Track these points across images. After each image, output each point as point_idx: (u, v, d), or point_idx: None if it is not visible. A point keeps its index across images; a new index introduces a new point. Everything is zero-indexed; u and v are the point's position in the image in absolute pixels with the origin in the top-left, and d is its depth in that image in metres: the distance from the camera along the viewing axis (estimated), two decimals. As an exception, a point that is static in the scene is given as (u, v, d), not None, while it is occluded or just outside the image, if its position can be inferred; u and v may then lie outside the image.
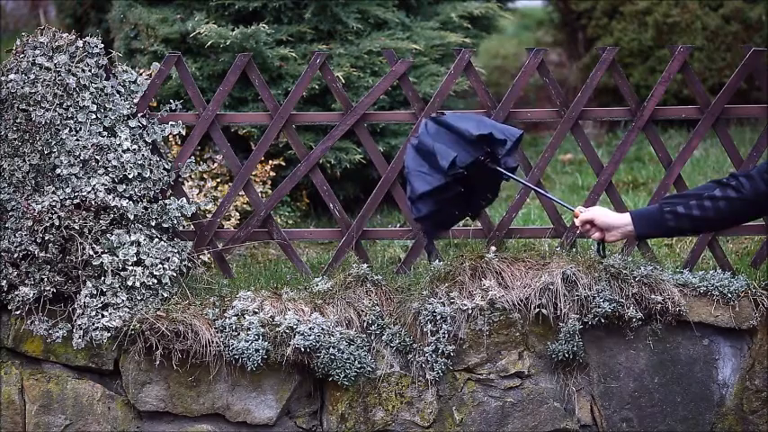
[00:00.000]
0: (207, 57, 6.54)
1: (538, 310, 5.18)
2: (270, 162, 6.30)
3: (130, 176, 5.17)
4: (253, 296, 5.22)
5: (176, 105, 5.38)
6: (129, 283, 5.09)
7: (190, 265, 5.32)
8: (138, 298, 5.13)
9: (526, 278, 5.21)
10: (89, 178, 5.12)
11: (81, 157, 5.11)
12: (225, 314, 5.14)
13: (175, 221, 5.29)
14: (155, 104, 5.82)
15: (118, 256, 5.09)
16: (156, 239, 5.20)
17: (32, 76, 5.11)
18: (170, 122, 5.33)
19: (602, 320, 5.18)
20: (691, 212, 3.98)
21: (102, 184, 5.11)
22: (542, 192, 4.69)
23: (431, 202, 4.42)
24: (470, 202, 4.55)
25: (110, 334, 5.08)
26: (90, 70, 5.19)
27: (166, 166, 5.32)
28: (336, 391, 5.19)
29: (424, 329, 5.16)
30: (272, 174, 6.29)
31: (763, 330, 5.23)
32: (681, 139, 7.96)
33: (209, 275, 5.43)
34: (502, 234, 5.41)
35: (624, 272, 5.20)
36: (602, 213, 4.15)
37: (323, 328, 5.10)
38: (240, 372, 5.14)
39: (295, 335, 5.09)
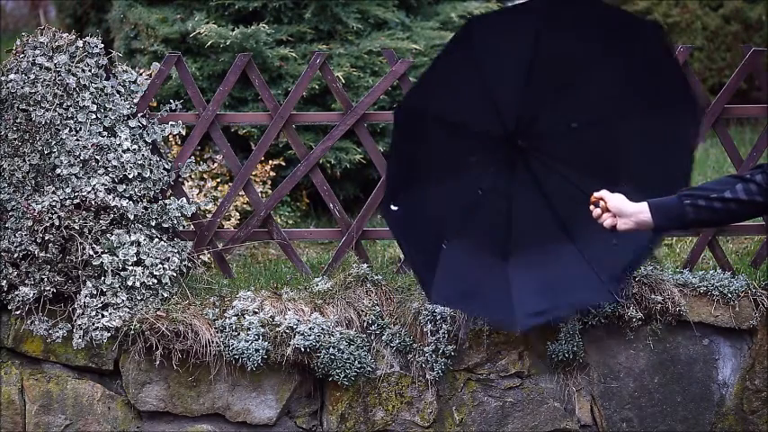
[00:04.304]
0: (207, 57, 6.54)
1: (538, 309, 5.18)
2: (270, 162, 6.30)
3: (130, 176, 5.17)
4: (253, 296, 5.22)
5: (176, 105, 5.38)
6: (129, 283, 5.09)
7: (190, 265, 5.32)
8: (138, 298, 5.13)
9: (526, 278, 5.21)
10: (89, 178, 5.12)
11: (81, 157, 5.11)
12: (225, 314, 5.14)
13: (175, 221, 5.29)
14: (155, 104, 5.82)
15: (118, 256, 5.09)
16: (156, 239, 5.20)
17: (32, 76, 5.11)
18: (170, 122, 5.33)
19: (602, 320, 5.18)
20: (712, 205, 3.86)
21: (102, 184, 5.11)
22: None
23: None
24: None
25: (110, 334, 5.07)
26: (90, 70, 5.19)
27: (166, 166, 5.32)
28: (336, 391, 5.19)
29: (424, 329, 5.16)
30: (272, 174, 6.29)
31: (763, 330, 5.23)
32: (681, 139, 7.95)
33: (209, 275, 5.43)
34: (502, 234, 5.41)
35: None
36: (616, 196, 3.97)
37: (323, 328, 5.10)
38: (240, 372, 5.15)
39: (295, 335, 5.09)
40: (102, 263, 5.07)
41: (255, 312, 5.14)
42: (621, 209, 3.95)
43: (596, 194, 4.03)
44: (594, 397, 5.27)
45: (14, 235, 5.12)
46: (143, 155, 5.22)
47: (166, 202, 5.28)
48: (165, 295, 5.18)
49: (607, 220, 3.98)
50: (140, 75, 5.41)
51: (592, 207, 4.03)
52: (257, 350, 5.06)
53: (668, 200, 3.93)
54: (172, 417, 5.21)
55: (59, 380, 5.20)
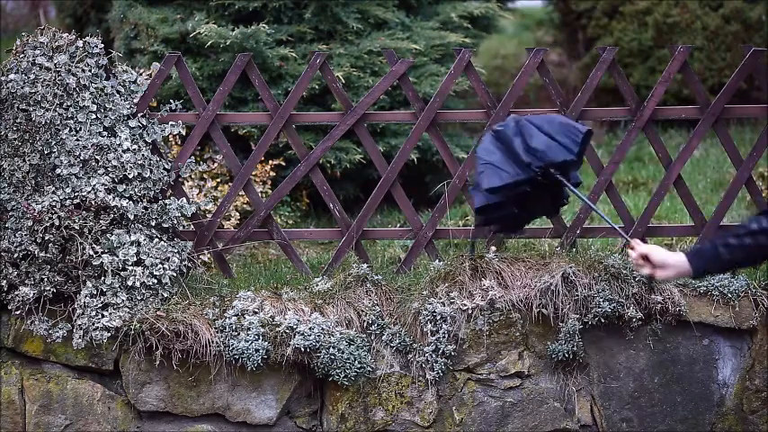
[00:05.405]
0: (207, 57, 6.54)
1: (538, 310, 5.18)
2: (270, 162, 6.30)
3: (130, 176, 5.17)
4: (253, 296, 5.22)
5: (176, 105, 5.38)
6: (129, 283, 5.09)
7: (190, 265, 5.32)
8: (138, 298, 5.13)
9: (526, 278, 5.21)
10: (89, 178, 5.12)
11: (81, 157, 5.11)
12: (225, 314, 5.14)
13: (175, 221, 5.29)
14: (155, 104, 5.82)
15: (118, 256, 5.09)
16: (156, 239, 5.20)
17: (32, 76, 5.11)
18: (170, 122, 5.33)
19: (602, 320, 5.18)
20: (742, 241, 3.93)
21: (102, 184, 5.11)
22: (600, 214, 4.63)
23: (496, 197, 4.61)
24: (534, 207, 4.76)
25: (110, 334, 5.08)
26: (90, 70, 5.19)
27: (166, 166, 5.32)
28: (336, 391, 5.19)
29: (424, 329, 5.16)
30: (272, 174, 6.29)
31: (763, 330, 5.23)
32: (681, 139, 7.96)
33: (209, 275, 5.43)
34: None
35: (624, 272, 5.20)
36: (658, 250, 4.09)
37: (323, 328, 5.10)
38: (240, 372, 5.15)
39: (295, 335, 5.09)
40: (102, 263, 5.07)
41: (255, 312, 5.14)
42: (665, 261, 4.05)
43: (635, 244, 4.14)
44: (594, 397, 5.27)
45: (14, 235, 5.12)
46: (143, 155, 5.22)
47: (166, 202, 5.28)
48: (165, 295, 5.18)
49: (645, 270, 4.09)
50: (140, 75, 5.42)
51: (629, 251, 4.14)
52: (257, 350, 5.06)
53: (703, 245, 4.05)
54: (172, 417, 5.21)
55: (59, 380, 5.20)
